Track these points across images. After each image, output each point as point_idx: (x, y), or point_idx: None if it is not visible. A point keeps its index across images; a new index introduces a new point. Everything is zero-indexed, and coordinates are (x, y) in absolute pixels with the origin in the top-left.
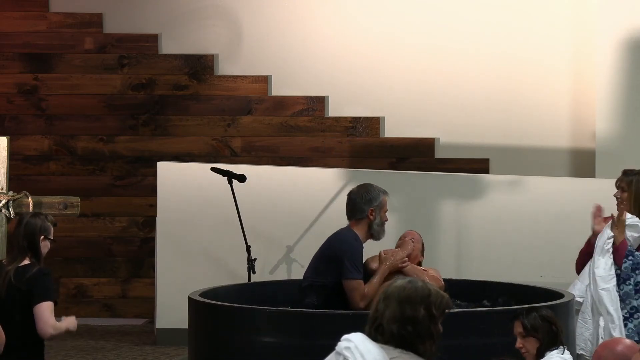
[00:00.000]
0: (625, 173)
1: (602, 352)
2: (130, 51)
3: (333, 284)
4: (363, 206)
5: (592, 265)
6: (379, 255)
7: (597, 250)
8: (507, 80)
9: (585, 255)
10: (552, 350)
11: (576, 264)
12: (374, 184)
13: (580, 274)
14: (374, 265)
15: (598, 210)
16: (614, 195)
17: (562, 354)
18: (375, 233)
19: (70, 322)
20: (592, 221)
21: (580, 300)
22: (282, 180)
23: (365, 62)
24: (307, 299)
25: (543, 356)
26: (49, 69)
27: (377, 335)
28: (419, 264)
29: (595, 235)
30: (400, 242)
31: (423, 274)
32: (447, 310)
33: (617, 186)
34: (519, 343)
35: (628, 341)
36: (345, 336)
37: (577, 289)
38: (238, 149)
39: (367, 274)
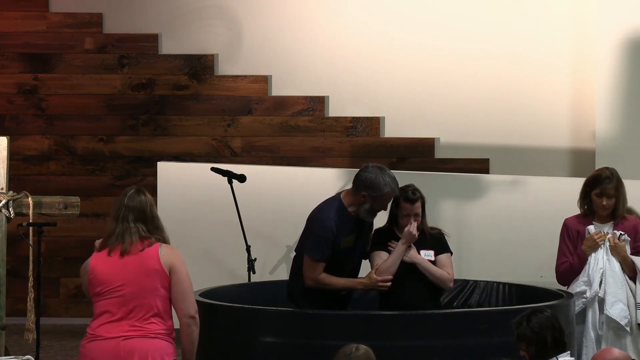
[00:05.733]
0: None
1: None
2: (130, 51)
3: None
4: (361, 185)
5: None
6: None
7: None
8: (507, 80)
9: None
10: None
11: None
12: (392, 175)
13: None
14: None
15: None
16: None
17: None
18: (360, 214)
19: None
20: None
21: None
22: (282, 180)
23: (365, 62)
24: (291, 271)
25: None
26: (49, 69)
27: None
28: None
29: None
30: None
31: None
32: None
33: None
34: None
35: (618, 351)
36: None
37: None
38: (238, 149)
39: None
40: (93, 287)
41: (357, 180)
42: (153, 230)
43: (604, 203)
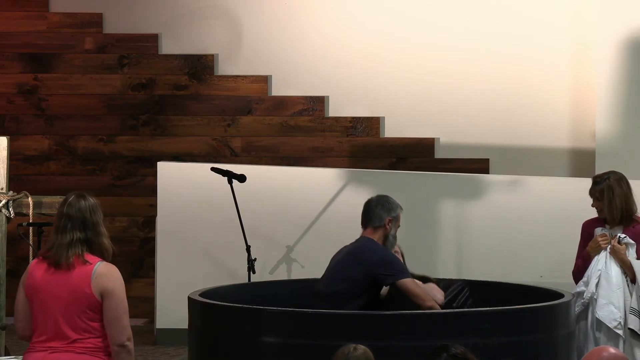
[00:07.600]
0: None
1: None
2: (130, 51)
3: (365, 297)
4: (382, 214)
5: None
6: None
7: None
8: (507, 80)
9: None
10: None
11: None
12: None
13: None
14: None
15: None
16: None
17: None
18: (389, 244)
19: None
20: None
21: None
22: (282, 180)
23: (365, 62)
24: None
25: None
26: (49, 69)
27: None
28: None
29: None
30: None
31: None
32: None
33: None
34: None
35: (613, 349)
36: None
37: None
38: (238, 149)
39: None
40: (29, 292)
41: (372, 213)
42: (94, 237)
43: (592, 205)
